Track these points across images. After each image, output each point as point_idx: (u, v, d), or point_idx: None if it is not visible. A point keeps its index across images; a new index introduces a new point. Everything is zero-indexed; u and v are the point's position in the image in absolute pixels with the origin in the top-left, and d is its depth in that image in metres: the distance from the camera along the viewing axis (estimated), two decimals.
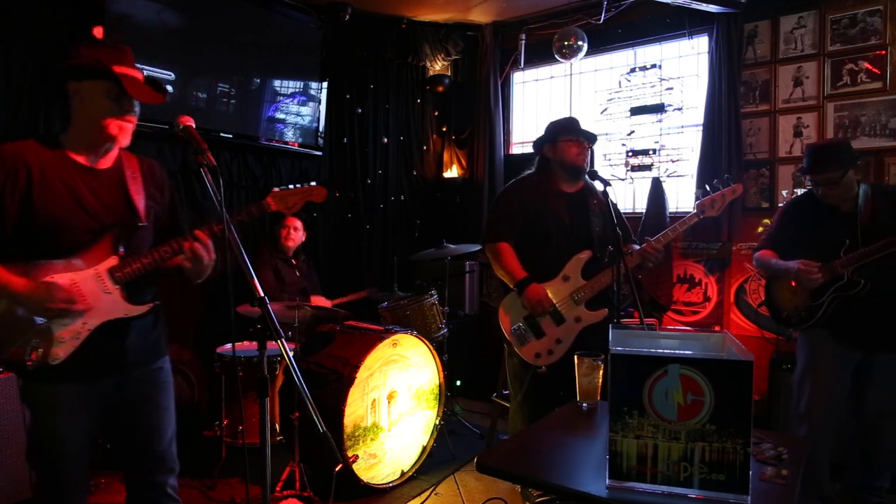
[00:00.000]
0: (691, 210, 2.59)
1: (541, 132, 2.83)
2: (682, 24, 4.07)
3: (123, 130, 1.74)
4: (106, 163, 1.80)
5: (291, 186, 1.93)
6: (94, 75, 1.68)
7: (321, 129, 4.49)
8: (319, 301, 3.79)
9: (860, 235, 2.50)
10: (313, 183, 1.99)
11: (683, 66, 4.21)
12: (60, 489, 1.74)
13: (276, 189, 1.92)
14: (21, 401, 1.86)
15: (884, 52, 3.45)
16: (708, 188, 2.57)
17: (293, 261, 3.91)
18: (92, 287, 1.69)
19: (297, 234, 3.86)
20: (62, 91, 1.72)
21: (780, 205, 3.46)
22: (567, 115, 3.51)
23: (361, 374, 2.85)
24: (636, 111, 4.31)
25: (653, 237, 2.62)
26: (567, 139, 2.71)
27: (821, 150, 2.61)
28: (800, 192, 3.60)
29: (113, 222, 1.75)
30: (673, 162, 4.21)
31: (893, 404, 2.54)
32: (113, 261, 1.73)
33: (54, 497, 1.75)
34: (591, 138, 2.77)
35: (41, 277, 1.64)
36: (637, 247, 2.62)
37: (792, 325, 2.71)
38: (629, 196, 4.46)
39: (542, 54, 4.68)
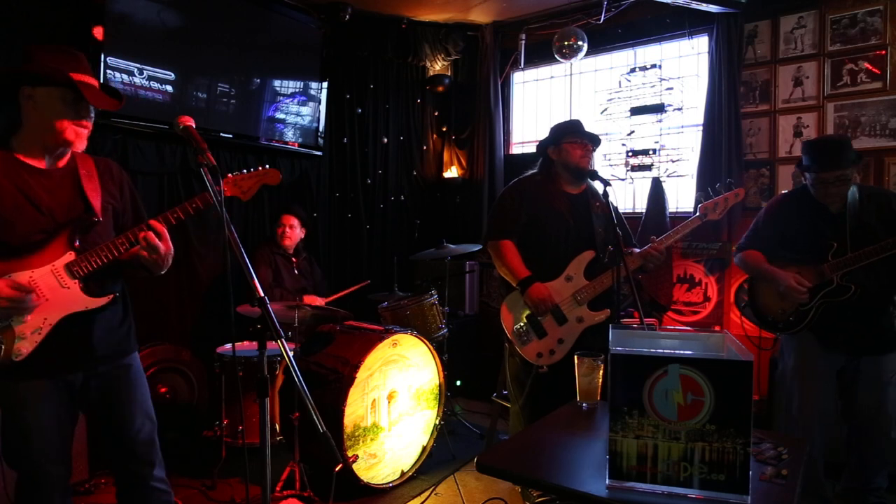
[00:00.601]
0: (691, 210, 2.59)
1: (541, 132, 2.84)
2: (682, 24, 4.06)
3: (80, 136, 1.77)
4: (58, 164, 1.82)
5: (245, 171, 1.95)
6: (51, 81, 1.69)
7: (321, 129, 4.49)
8: (312, 300, 3.78)
9: (849, 238, 2.46)
10: (266, 166, 2.01)
11: (683, 66, 4.21)
12: (39, 485, 1.76)
13: (230, 174, 1.93)
14: None
15: (884, 52, 3.45)
16: (710, 191, 2.55)
17: (293, 259, 3.91)
18: (49, 283, 1.71)
19: (293, 231, 3.85)
20: (12, 93, 1.72)
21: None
22: (571, 118, 3.50)
23: (361, 374, 2.85)
24: (636, 111, 4.30)
25: (656, 237, 2.61)
26: (571, 141, 2.70)
27: (829, 146, 2.49)
28: None
29: (68, 219, 1.77)
30: (673, 162, 4.21)
31: (883, 403, 2.53)
32: (69, 256, 1.75)
33: (34, 493, 1.76)
34: (595, 140, 2.77)
35: None
36: (637, 249, 2.61)
37: (779, 328, 2.67)
38: (629, 196, 4.45)
39: (542, 54, 4.68)
